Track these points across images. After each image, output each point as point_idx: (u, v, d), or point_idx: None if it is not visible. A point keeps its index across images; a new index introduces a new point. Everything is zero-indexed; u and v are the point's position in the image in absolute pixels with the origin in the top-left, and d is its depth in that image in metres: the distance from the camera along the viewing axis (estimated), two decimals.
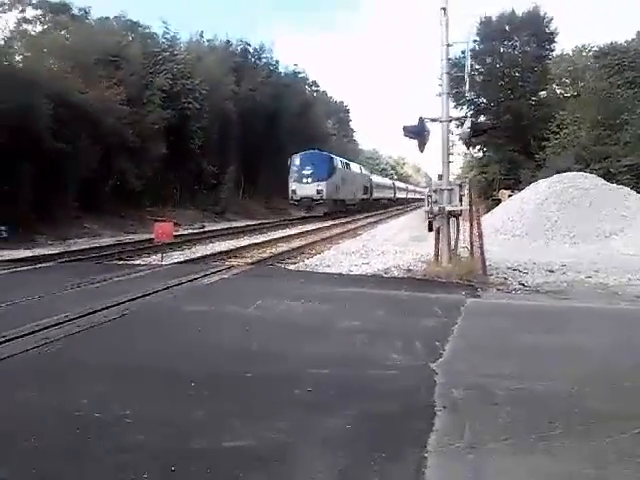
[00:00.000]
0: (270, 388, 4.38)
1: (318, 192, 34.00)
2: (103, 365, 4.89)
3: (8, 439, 3.45)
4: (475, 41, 38.41)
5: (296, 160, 35.51)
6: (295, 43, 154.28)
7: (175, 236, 15.21)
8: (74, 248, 16.11)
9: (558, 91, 42.42)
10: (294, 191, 34.86)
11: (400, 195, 75.64)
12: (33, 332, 5.76)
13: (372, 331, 6.11)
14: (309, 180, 34.43)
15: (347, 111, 78.87)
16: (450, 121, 11.36)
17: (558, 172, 21.50)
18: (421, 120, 11.11)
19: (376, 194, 53.94)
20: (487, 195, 36.35)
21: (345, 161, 41.88)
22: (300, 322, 6.61)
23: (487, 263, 10.81)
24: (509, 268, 11.21)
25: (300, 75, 57.81)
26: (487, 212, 23.51)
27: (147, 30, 36.61)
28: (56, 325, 6.07)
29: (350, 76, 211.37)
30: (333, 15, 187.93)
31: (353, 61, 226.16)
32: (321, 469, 3.15)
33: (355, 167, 46.42)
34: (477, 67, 39.07)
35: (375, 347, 5.50)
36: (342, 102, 77.49)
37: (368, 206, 47.56)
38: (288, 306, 7.34)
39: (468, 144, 12.79)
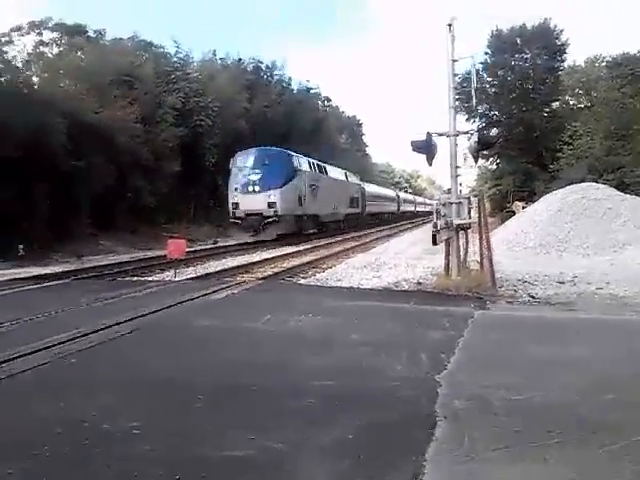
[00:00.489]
0: (274, 400, 4.47)
1: (270, 205, 24.42)
2: (113, 379, 5.01)
3: (20, 449, 3.58)
4: (487, 54, 38.75)
5: (240, 161, 26.30)
6: (307, 57, 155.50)
7: (188, 252, 15.39)
8: (88, 265, 16.33)
9: (571, 102, 42.53)
10: (236, 204, 25.25)
11: (407, 208, 68.45)
12: (47, 347, 5.91)
13: (378, 344, 6.17)
14: (256, 188, 24.86)
15: (360, 125, 78.92)
16: (457, 135, 11.43)
17: (572, 183, 21.51)
18: (428, 135, 11.21)
19: (371, 208, 45.14)
20: (501, 207, 36.43)
21: (317, 163, 31.73)
22: (308, 336, 6.69)
23: (498, 275, 10.86)
24: (519, 280, 11.23)
25: (313, 91, 58.25)
26: (501, 224, 23.60)
27: (160, 50, 37.34)
28: (69, 341, 6.22)
29: (362, 90, 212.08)
30: (345, 29, 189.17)
31: (365, 75, 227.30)
32: (319, 476, 3.24)
33: (337, 173, 36.27)
34: (489, 80, 39.31)
35: (380, 359, 5.56)
36: (354, 116, 77.53)
37: (360, 223, 39.85)
38: (297, 320, 7.42)
39: (476, 158, 12.82)
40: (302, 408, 4.26)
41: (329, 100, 66.38)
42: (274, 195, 24.56)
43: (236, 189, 25.37)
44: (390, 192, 61.99)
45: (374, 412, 4.17)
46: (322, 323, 7.33)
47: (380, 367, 5.27)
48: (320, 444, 3.62)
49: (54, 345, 6.01)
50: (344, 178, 37.59)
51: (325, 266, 15.96)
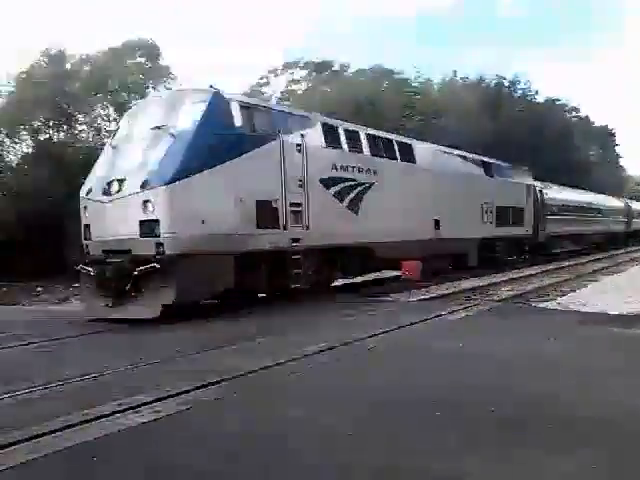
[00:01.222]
0: (507, 425, 4.35)
1: (145, 229, 9.58)
2: (350, 393, 5.36)
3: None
4: None
5: (124, 124, 11.83)
6: (553, 71, 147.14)
7: (424, 273, 15.59)
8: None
9: None
10: (87, 228, 10.62)
11: None
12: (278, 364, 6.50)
13: (613, 372, 5.78)
14: (125, 187, 9.88)
15: (612, 135, 72.76)
16: None
17: None
18: None
19: (559, 227, 26.94)
20: None
21: (371, 133, 15.24)
22: (547, 359, 6.43)
23: None
24: None
25: (558, 102, 55.64)
26: None
27: (401, 76, 38.66)
28: (319, 353, 6.81)
29: (615, 96, 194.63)
30: (595, 36, 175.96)
31: (618, 78, 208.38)
32: None
33: (443, 156, 18.77)
34: None
35: (617, 388, 5.18)
36: (606, 125, 71.60)
37: (529, 256, 24.06)
38: (532, 344, 7.24)
39: None
40: (538, 434, 4.10)
41: (577, 110, 62.62)
42: (154, 201, 9.60)
43: (89, 192, 10.81)
44: (610, 200, 39.68)
45: (620, 443, 3.91)
46: (558, 348, 7.02)
47: (618, 397, 4.92)
48: (561, 472, 3.52)
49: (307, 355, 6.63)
50: (475, 169, 20.34)
51: (566, 289, 15.15)
